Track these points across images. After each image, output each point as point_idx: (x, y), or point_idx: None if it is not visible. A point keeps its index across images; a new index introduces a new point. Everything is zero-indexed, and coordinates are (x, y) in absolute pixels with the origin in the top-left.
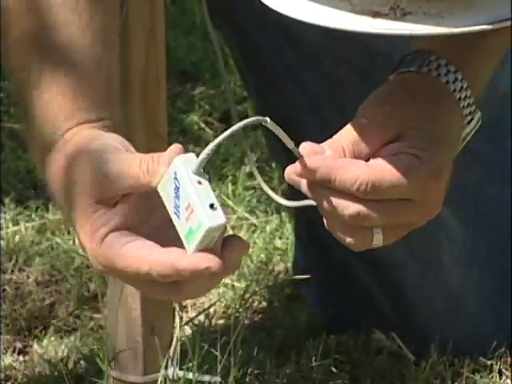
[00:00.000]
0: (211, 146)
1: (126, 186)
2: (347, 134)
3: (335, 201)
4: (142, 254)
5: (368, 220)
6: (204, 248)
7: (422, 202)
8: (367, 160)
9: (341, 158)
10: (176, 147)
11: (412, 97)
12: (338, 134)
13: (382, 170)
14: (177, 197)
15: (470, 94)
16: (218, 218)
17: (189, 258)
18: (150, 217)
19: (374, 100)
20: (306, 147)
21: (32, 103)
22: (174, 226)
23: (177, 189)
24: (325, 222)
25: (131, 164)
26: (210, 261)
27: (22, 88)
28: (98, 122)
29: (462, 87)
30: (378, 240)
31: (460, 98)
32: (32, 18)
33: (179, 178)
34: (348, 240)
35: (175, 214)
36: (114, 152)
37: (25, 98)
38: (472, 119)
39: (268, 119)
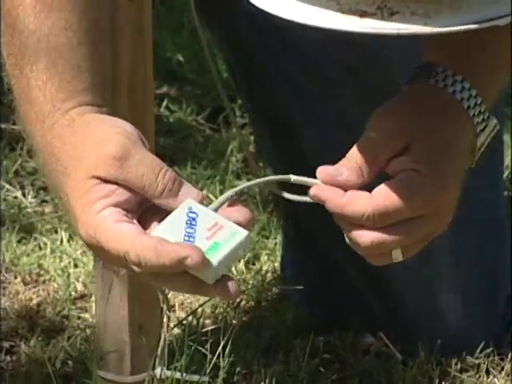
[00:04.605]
0: (232, 191)
1: (131, 183)
2: (359, 150)
3: (351, 232)
4: (128, 232)
5: (384, 245)
6: (228, 265)
7: (434, 215)
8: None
9: (358, 177)
10: (200, 195)
11: (416, 109)
12: (351, 150)
13: (384, 198)
14: (190, 226)
15: (480, 102)
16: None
17: (172, 244)
18: (146, 207)
19: (381, 113)
20: (321, 172)
21: (29, 85)
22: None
23: (191, 220)
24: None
25: (147, 171)
26: (192, 250)
27: (18, 71)
28: (98, 107)
29: (470, 95)
30: (396, 255)
31: (469, 106)
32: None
33: (196, 210)
34: (368, 259)
35: (185, 241)
36: (134, 143)
37: (21, 80)
38: (486, 127)
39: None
